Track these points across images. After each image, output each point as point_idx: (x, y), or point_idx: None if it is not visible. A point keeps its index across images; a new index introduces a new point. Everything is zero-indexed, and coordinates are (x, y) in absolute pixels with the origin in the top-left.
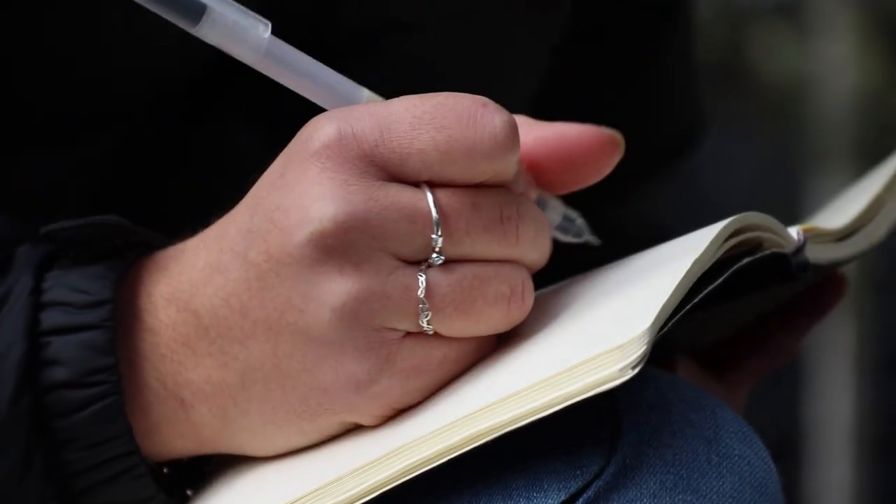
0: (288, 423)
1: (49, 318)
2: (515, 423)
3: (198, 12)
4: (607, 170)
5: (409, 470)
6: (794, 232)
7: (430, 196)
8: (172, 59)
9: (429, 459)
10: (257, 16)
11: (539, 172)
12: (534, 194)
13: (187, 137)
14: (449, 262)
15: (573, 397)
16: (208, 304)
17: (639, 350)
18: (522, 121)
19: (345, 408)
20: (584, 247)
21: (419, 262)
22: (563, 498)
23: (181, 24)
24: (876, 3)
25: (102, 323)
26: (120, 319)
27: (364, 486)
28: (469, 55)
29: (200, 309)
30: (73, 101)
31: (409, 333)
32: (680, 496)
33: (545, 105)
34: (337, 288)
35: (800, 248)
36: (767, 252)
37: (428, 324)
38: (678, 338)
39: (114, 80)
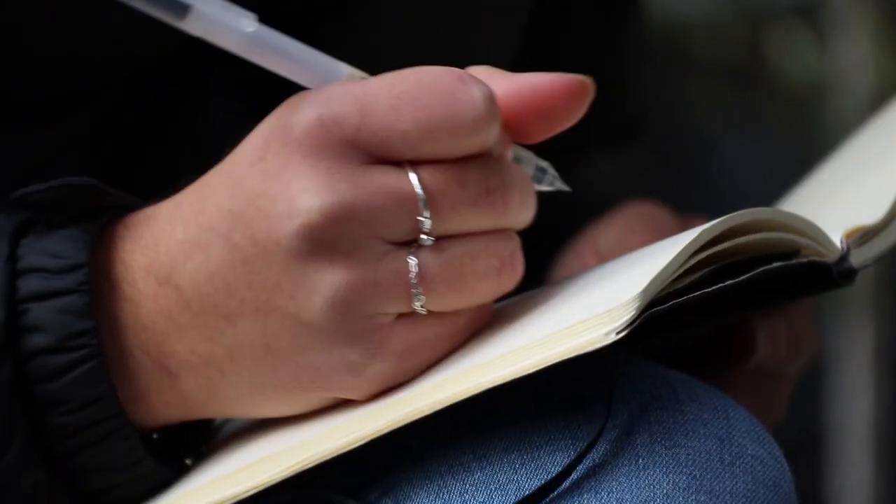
0: (276, 394)
1: (26, 285)
2: (501, 381)
3: (182, 10)
4: (579, 114)
5: (396, 421)
6: (836, 239)
7: (414, 176)
8: (150, 32)
9: (418, 411)
10: (241, 10)
11: (514, 124)
12: (511, 151)
13: (168, 111)
14: (439, 241)
15: (557, 358)
16: (189, 280)
17: (626, 314)
18: (492, 73)
19: (337, 386)
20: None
21: (409, 242)
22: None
23: (166, 19)
24: (894, 3)
25: (79, 287)
26: (97, 285)
27: (359, 433)
28: (442, 25)
29: (182, 283)
30: (50, 80)
31: (401, 315)
32: (693, 496)
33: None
34: (328, 278)
35: (843, 257)
36: (804, 260)
37: (421, 306)
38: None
39: (91, 56)
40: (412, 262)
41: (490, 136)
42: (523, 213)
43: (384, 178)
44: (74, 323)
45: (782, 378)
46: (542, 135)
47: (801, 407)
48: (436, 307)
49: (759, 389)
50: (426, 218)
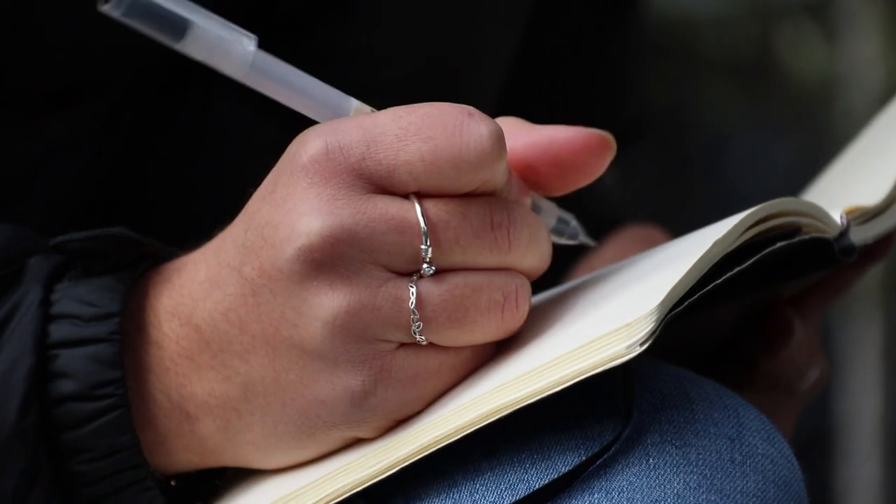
0: (288, 436)
1: (57, 331)
2: (526, 401)
3: (180, 29)
4: (599, 171)
5: (418, 451)
6: (836, 216)
7: (417, 207)
8: None
9: (444, 437)
10: (242, 30)
11: (531, 176)
12: (528, 199)
13: (172, 104)
14: (441, 272)
15: (581, 375)
16: (209, 319)
17: (647, 327)
18: (514, 124)
19: (343, 420)
20: (579, 248)
21: (411, 273)
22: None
23: (164, 40)
24: None
25: (109, 336)
26: (126, 332)
27: (373, 469)
28: (442, 23)
29: (201, 323)
30: (58, 70)
31: (403, 344)
32: (704, 496)
33: (510, 93)
34: (328, 302)
35: (843, 233)
36: (806, 237)
37: (420, 335)
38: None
39: (98, 47)
40: (412, 289)
41: (496, 174)
42: (533, 256)
43: (387, 207)
44: (102, 371)
45: (794, 395)
46: (561, 188)
47: (811, 405)
48: (436, 339)
49: (772, 405)
50: (427, 247)
